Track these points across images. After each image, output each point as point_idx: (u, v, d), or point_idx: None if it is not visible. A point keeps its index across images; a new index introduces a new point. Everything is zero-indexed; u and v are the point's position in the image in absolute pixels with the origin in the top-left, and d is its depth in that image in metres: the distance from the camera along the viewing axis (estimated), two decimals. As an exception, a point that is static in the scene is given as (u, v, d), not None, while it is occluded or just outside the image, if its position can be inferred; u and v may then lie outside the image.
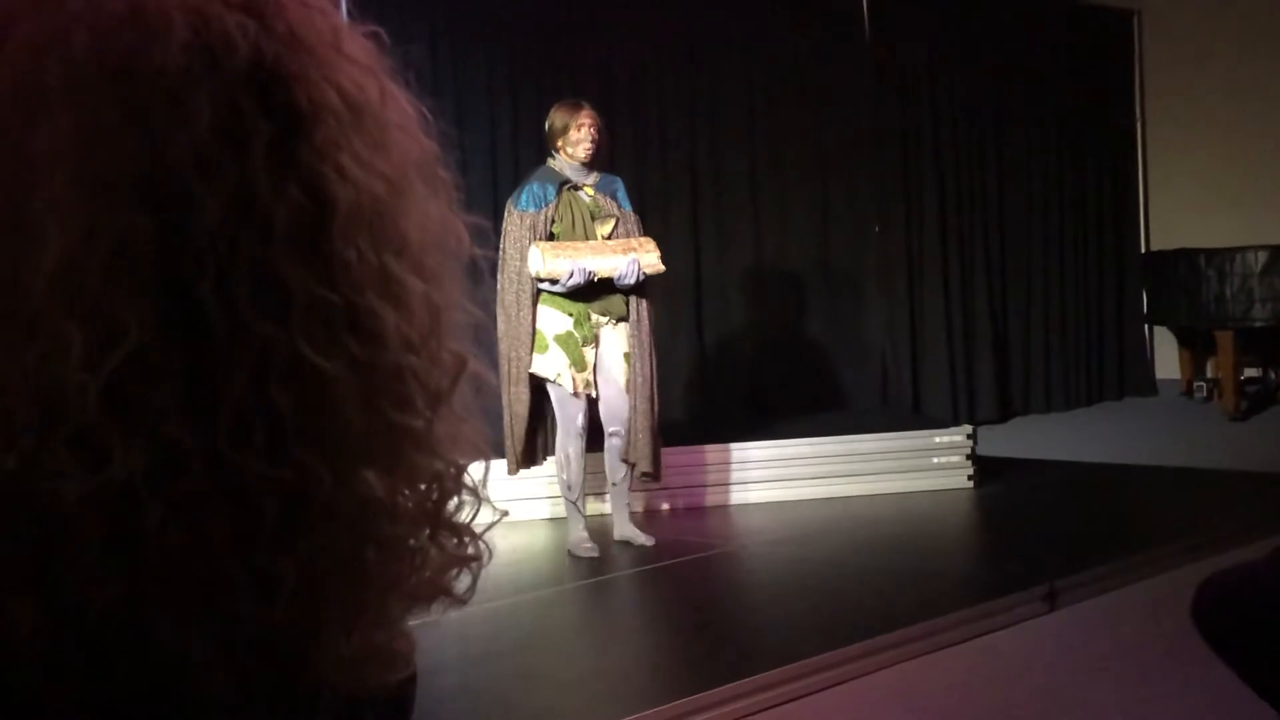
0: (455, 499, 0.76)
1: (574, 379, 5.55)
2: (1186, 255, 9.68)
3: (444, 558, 0.76)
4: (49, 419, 0.62)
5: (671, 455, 6.11)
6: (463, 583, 0.78)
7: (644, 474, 5.75)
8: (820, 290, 9.10)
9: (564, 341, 5.56)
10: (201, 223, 0.63)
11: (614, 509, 5.83)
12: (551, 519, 6.19)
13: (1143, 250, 10.80)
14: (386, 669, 0.75)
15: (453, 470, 0.76)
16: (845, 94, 9.15)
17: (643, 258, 5.59)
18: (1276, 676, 1.77)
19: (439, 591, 0.77)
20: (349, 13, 7.53)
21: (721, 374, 8.69)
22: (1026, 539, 5.69)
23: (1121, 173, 10.80)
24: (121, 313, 0.61)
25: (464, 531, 0.77)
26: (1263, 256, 9.27)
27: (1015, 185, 10.01)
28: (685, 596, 5.16)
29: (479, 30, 7.87)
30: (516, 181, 7.44)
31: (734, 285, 8.80)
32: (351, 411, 0.68)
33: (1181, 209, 10.54)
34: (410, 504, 0.73)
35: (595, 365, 5.63)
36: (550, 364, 5.55)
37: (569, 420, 5.60)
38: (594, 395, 5.63)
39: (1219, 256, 9.44)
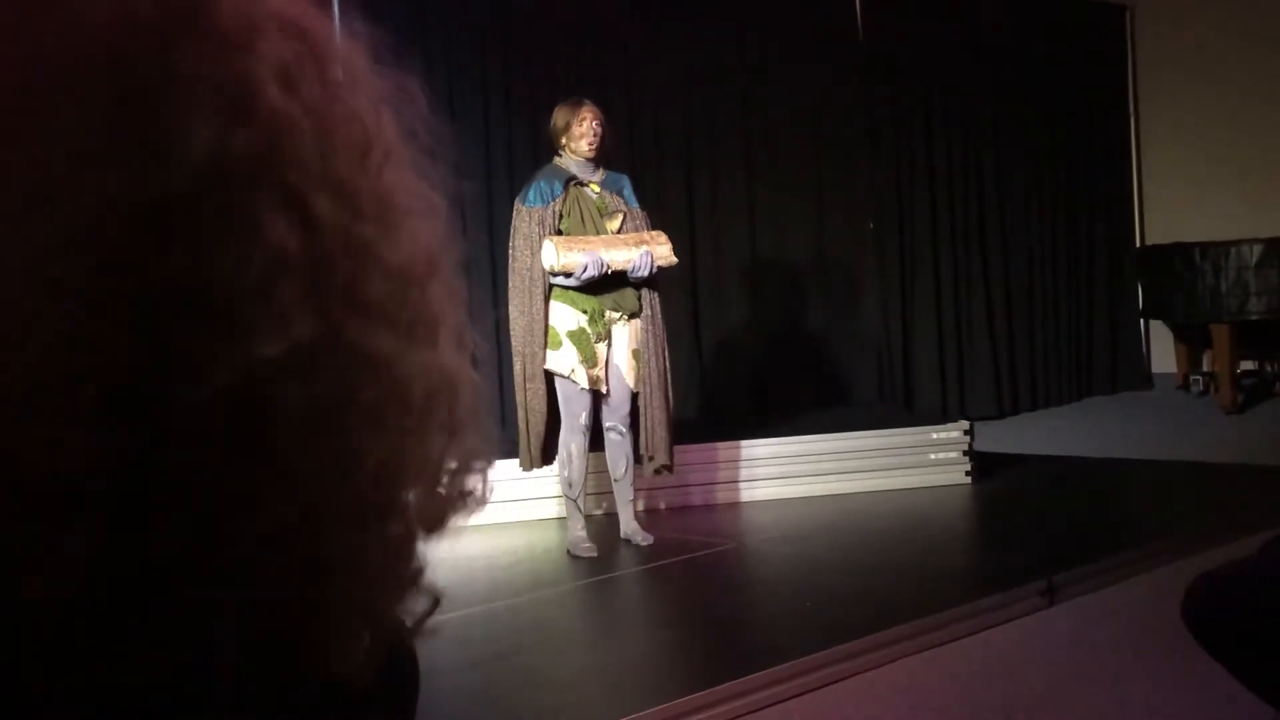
0: (451, 495, 0.77)
1: (587, 375, 5.56)
2: (1182, 249, 9.69)
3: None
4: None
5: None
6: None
7: (662, 466, 5.77)
8: (816, 287, 9.11)
9: (576, 337, 5.56)
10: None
11: (618, 505, 5.84)
12: (549, 519, 6.20)
13: (1138, 244, 10.81)
14: (384, 658, 0.75)
15: (449, 469, 0.76)
16: (839, 91, 9.16)
17: (655, 250, 5.61)
18: (1269, 672, 1.77)
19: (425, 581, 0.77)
20: (340, 17, 7.51)
21: (717, 371, 8.70)
22: (1025, 534, 5.71)
23: (1116, 166, 10.81)
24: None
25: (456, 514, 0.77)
26: (1258, 249, 9.28)
27: (1009, 180, 10.02)
28: (685, 595, 5.16)
29: (473, 26, 7.86)
30: (512, 183, 7.45)
31: (730, 282, 8.81)
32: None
33: (1176, 202, 10.55)
34: (406, 497, 0.74)
35: (606, 361, 5.64)
36: (563, 360, 5.55)
37: (573, 417, 5.60)
38: (604, 391, 5.64)
39: (1214, 250, 9.45)
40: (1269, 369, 10.10)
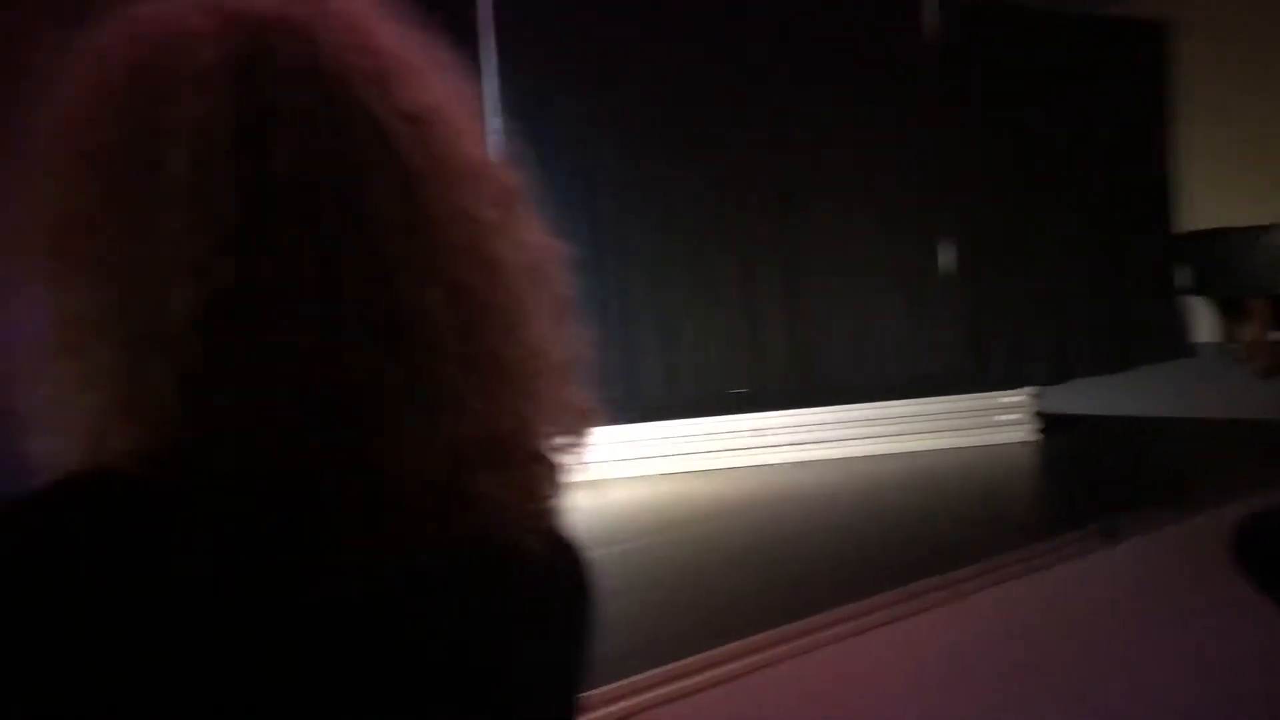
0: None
1: None
2: (1220, 233, 9.87)
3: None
4: None
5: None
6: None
7: None
8: (880, 261, 9.18)
9: None
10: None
11: None
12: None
13: (1177, 228, 10.84)
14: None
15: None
16: (878, 78, 9.18)
17: None
18: None
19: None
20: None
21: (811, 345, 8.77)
22: (1087, 483, 5.78)
23: (1155, 155, 10.79)
24: None
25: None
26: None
27: (1049, 165, 10.08)
28: (757, 538, 5.17)
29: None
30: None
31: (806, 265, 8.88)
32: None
33: (1213, 187, 10.53)
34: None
35: None
36: None
37: None
38: None
39: (1251, 233, 9.61)
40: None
